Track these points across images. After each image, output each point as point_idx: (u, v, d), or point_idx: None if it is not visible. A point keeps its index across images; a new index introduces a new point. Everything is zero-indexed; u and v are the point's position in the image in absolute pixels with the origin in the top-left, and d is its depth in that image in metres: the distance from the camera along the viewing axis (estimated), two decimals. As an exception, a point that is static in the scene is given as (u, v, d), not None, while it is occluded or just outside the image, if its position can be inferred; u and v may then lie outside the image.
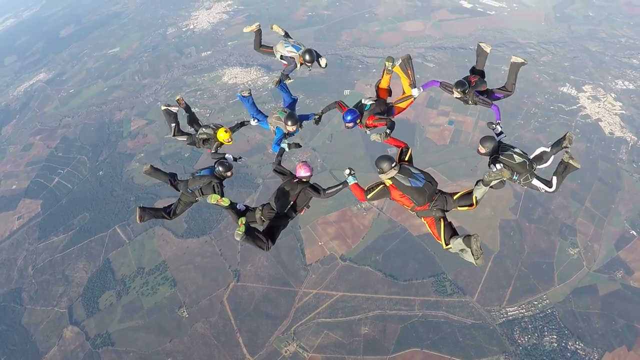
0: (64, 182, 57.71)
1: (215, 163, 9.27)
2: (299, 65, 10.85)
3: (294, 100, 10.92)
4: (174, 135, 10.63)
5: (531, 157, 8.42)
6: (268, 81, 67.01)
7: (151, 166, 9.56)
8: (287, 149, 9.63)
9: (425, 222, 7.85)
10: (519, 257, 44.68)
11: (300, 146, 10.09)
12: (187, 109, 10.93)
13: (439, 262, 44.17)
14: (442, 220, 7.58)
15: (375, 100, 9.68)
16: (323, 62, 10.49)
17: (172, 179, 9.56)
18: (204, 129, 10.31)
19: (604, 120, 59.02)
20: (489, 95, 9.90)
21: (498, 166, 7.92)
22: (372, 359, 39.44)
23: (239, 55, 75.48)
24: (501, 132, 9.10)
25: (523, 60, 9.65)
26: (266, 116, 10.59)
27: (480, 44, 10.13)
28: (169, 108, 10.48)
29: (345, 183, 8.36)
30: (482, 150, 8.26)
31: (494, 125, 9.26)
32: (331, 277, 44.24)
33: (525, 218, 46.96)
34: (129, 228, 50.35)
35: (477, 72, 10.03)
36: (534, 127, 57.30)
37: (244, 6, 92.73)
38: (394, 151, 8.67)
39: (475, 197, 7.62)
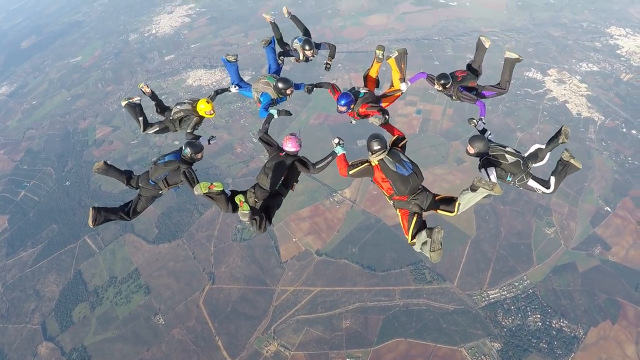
0: (30, 195, 56.07)
1: (183, 146, 8.33)
2: (301, 56, 10.75)
3: (280, 68, 10.66)
4: (144, 130, 9.83)
5: (525, 155, 8.09)
6: (236, 92, 65.16)
7: (104, 162, 8.45)
8: (276, 116, 9.10)
9: (399, 213, 7.44)
10: (496, 240, 44.75)
11: (291, 114, 9.51)
12: (153, 96, 10.08)
13: (415, 251, 43.31)
14: (416, 215, 7.17)
15: (367, 90, 9.35)
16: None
17: (128, 176, 8.57)
18: (178, 107, 9.56)
19: (570, 102, 60.36)
20: (479, 92, 9.60)
21: (492, 177, 7.56)
22: (355, 352, 38.98)
23: (203, 57, 75.02)
24: (485, 129, 8.77)
25: (517, 56, 9.30)
26: (249, 84, 10.18)
27: (481, 37, 9.75)
28: (131, 101, 9.60)
29: (334, 154, 8.04)
30: (471, 151, 7.87)
31: (475, 121, 8.96)
32: (308, 273, 43.72)
33: (500, 201, 47.05)
34: (99, 237, 49.16)
35: (471, 69, 9.69)
36: (502, 112, 57.92)
37: (205, 8, 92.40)
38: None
39: (459, 204, 7.15)
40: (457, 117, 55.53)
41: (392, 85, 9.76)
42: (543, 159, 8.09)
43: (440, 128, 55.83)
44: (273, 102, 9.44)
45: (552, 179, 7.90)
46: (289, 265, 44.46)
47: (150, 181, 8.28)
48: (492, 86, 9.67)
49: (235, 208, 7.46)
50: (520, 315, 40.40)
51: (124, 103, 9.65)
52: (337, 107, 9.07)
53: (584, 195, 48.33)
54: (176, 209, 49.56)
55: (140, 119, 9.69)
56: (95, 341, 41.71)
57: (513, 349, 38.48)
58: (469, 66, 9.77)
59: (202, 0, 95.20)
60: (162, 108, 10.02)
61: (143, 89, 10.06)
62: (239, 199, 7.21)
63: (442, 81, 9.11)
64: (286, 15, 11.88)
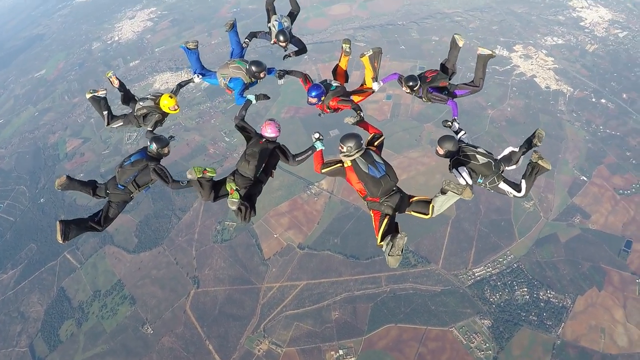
0: (5, 216, 54.84)
1: (149, 142, 8.12)
2: (272, 40, 10.59)
3: (244, 51, 10.39)
4: (108, 124, 9.46)
5: (499, 157, 7.92)
6: (199, 82, 65.10)
7: (67, 177, 7.95)
8: (254, 101, 8.91)
9: (372, 214, 7.30)
10: (477, 218, 45.07)
11: (269, 97, 9.34)
12: (122, 86, 9.71)
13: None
14: (387, 217, 7.05)
15: (339, 84, 9.30)
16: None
17: (93, 186, 8.10)
18: (141, 103, 9.20)
19: (538, 76, 61.39)
20: (450, 92, 9.47)
21: (464, 178, 7.44)
22: (347, 342, 39.05)
23: (168, 60, 74.21)
24: (460, 130, 8.57)
25: (491, 52, 9.22)
26: (212, 72, 9.91)
27: (455, 35, 9.51)
28: (95, 94, 9.26)
29: (313, 148, 8.01)
30: (441, 152, 7.83)
31: (449, 123, 8.78)
32: (292, 268, 43.58)
33: (477, 179, 47.07)
34: (79, 252, 48.31)
35: (444, 68, 9.54)
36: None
37: (167, 11, 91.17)
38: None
39: (433, 206, 7.08)
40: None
41: (364, 83, 9.78)
42: (517, 162, 7.91)
43: (412, 111, 55.77)
44: (246, 87, 9.28)
45: (523, 182, 7.71)
46: (273, 261, 44.24)
47: (118, 185, 7.90)
48: (465, 84, 9.56)
49: (216, 197, 7.40)
50: (507, 290, 40.74)
51: (88, 96, 9.32)
52: (308, 99, 9.02)
53: (560, 166, 48.82)
54: (154, 215, 48.97)
55: (105, 112, 9.34)
56: (85, 358, 41.11)
57: (503, 324, 38.88)
58: (442, 65, 9.62)
59: (163, 2, 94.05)
60: (127, 98, 9.68)
61: (111, 79, 9.69)
62: (229, 186, 7.10)
63: (410, 83, 9.10)
64: None
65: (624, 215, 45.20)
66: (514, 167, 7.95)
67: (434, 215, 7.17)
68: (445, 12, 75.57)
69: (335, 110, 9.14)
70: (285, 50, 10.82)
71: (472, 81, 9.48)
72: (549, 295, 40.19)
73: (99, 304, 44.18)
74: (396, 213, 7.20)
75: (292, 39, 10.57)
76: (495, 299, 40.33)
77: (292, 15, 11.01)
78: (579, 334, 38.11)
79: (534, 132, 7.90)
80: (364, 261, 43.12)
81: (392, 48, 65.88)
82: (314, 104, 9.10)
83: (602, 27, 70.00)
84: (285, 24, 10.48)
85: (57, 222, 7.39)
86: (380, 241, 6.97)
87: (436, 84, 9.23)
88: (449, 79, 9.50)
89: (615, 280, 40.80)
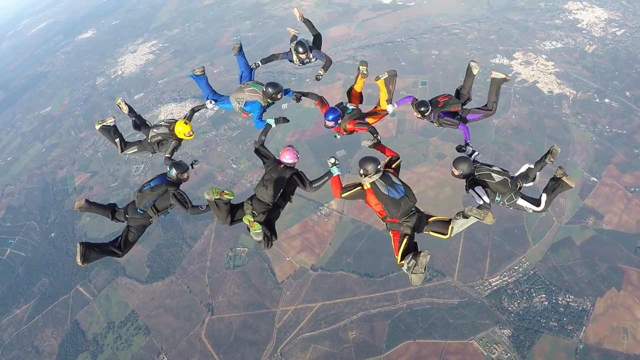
0: (16, 252, 54.92)
1: (169, 168, 8.18)
2: (294, 58, 10.91)
3: (252, 73, 10.51)
4: (122, 151, 9.64)
5: (516, 175, 8.08)
6: (204, 111, 65.31)
7: (86, 200, 8.16)
8: (273, 125, 9.12)
9: (391, 234, 7.48)
10: (489, 228, 44.42)
11: (289, 121, 9.56)
12: (131, 111, 9.89)
13: (404, 272, 43.29)
14: (407, 237, 7.22)
15: (355, 107, 9.40)
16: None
17: (112, 209, 8.24)
18: (155, 130, 9.31)
19: (540, 81, 61.48)
20: (462, 116, 9.53)
21: (483, 199, 7.59)
22: (366, 362, 38.57)
23: (172, 92, 74.77)
24: (473, 152, 8.63)
25: (504, 76, 9.25)
26: (225, 96, 10.04)
27: (471, 63, 9.62)
28: (104, 123, 9.40)
29: (329, 173, 8.05)
30: (456, 173, 7.91)
31: (464, 147, 8.88)
32: (306, 290, 43.25)
33: (486, 189, 46.95)
34: (91, 284, 48.15)
35: (458, 94, 9.77)
36: (474, 102, 57.25)
37: (168, 43, 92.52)
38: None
39: (452, 228, 7.26)
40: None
41: (378, 105, 9.84)
42: (534, 179, 8.04)
43: (417, 127, 55.80)
44: (263, 110, 9.38)
45: (544, 196, 7.81)
46: (286, 285, 43.97)
47: (137, 210, 7.96)
48: (478, 109, 9.59)
49: (233, 220, 7.51)
50: (525, 298, 40.23)
51: (97, 126, 9.41)
52: (325, 122, 9.12)
53: (568, 169, 48.21)
54: (165, 245, 48.86)
55: (117, 140, 9.42)
56: (102, 390, 40.49)
57: (524, 333, 38.30)
58: (457, 92, 9.80)
59: (163, 35, 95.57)
60: (140, 123, 9.81)
61: (120, 105, 9.79)
62: (247, 219, 7.00)
63: (422, 109, 9.18)
64: (299, 19, 11.90)
65: (637, 212, 44.88)
66: (531, 184, 8.05)
67: (451, 236, 7.32)
68: (442, 25, 76.21)
69: (352, 132, 9.27)
70: (304, 64, 11.07)
71: (486, 105, 9.55)
72: (568, 299, 39.63)
73: (113, 335, 43.81)
74: (415, 233, 7.30)
75: (311, 50, 10.85)
76: (514, 308, 39.80)
77: (316, 40, 11.48)
78: (601, 336, 37.47)
79: (550, 149, 8.10)
80: (378, 279, 42.76)
81: (392, 65, 65.52)
82: (331, 127, 9.19)
83: (599, 27, 70.52)
84: (304, 40, 10.79)
85: (78, 244, 7.42)
86: (401, 260, 7.09)
87: (448, 109, 9.31)
88: (463, 105, 9.61)
89: (633, 278, 40.30)
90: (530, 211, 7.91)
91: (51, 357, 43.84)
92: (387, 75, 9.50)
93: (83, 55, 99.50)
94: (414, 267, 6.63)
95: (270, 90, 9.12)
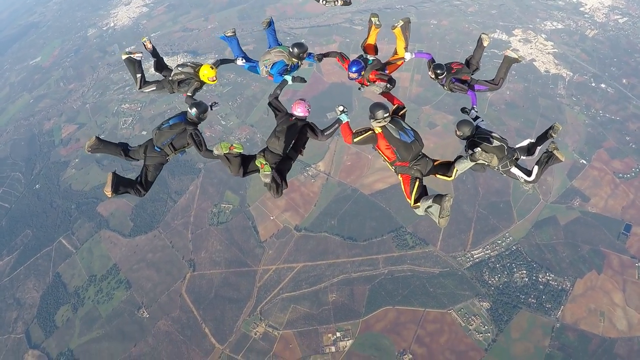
0: (0, 203, 54.38)
1: (189, 107, 8.22)
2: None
3: (280, 45, 10.17)
4: (140, 88, 9.51)
5: (516, 146, 8.40)
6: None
7: (96, 138, 7.90)
8: (290, 82, 9.28)
9: (401, 178, 7.77)
10: (475, 200, 45.03)
11: (305, 81, 9.63)
12: (154, 52, 9.76)
13: (395, 217, 44.07)
14: (418, 180, 7.55)
15: (375, 58, 9.60)
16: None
17: (124, 148, 8.20)
18: (180, 68, 9.25)
19: (538, 60, 61.56)
20: (471, 85, 9.82)
21: (477, 150, 7.70)
22: (345, 325, 39.06)
23: (164, 45, 73.30)
24: (477, 117, 8.91)
25: (517, 57, 9.57)
26: (254, 60, 10.16)
27: (482, 35, 9.94)
28: (131, 56, 9.28)
29: (339, 121, 8.23)
30: (459, 133, 8.10)
31: (468, 110, 9.21)
32: (289, 250, 43.48)
33: (476, 161, 47.07)
34: (74, 237, 48.01)
35: (468, 64, 10.00)
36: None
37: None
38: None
39: (456, 170, 7.59)
40: (426, 82, 55.16)
41: (395, 53, 9.92)
42: (533, 152, 8.31)
43: (410, 94, 55.64)
44: (287, 69, 9.41)
45: (535, 168, 8.16)
46: (269, 244, 44.17)
47: (155, 147, 8.05)
48: (485, 81, 9.85)
49: (245, 172, 7.65)
50: (506, 272, 40.82)
51: (124, 57, 9.32)
52: (348, 74, 9.29)
53: (559, 149, 48.19)
54: (149, 199, 48.36)
55: (138, 75, 9.33)
56: (81, 343, 40.99)
57: (502, 307, 39.00)
58: (467, 61, 10.02)
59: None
60: (161, 66, 9.75)
61: (145, 44, 9.74)
62: (259, 161, 7.16)
63: (438, 71, 9.40)
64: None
65: (623, 198, 45.29)
66: (531, 157, 8.37)
67: (455, 178, 7.64)
68: (443, -5, 75.26)
69: (374, 82, 9.27)
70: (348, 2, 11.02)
71: (493, 79, 9.85)
72: (548, 277, 40.20)
73: (94, 288, 43.92)
74: (423, 176, 7.63)
75: None
76: (494, 281, 40.32)
77: None
78: (578, 317, 38.19)
79: (552, 125, 8.39)
80: (361, 243, 43.03)
81: (390, 32, 64.74)
82: (355, 78, 9.34)
83: (602, 12, 70.24)
84: None
85: (109, 174, 7.48)
86: (415, 203, 7.46)
87: (459, 76, 9.59)
88: (472, 74, 9.89)
89: (614, 263, 40.88)
90: (522, 180, 8.27)
91: (32, 309, 44.04)
92: (402, 23, 9.62)
93: (75, 6, 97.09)
94: (440, 211, 6.93)
95: (296, 50, 9.22)
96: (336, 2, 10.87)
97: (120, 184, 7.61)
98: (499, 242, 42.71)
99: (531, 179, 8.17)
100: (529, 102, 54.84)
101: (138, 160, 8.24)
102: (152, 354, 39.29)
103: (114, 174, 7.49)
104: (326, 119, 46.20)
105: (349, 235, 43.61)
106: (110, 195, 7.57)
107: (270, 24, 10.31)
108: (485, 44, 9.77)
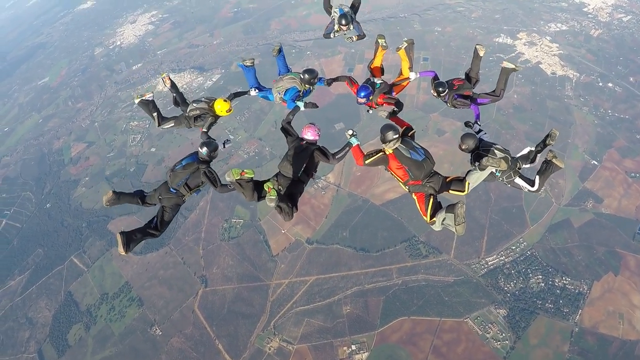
0: (11, 223, 54.63)
1: (199, 146, 8.26)
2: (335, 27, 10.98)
3: (289, 71, 10.49)
4: (159, 125, 9.82)
5: (517, 155, 8.47)
6: (202, 82, 67.53)
7: (113, 192, 7.96)
8: (302, 108, 9.46)
9: (415, 197, 7.88)
10: (487, 206, 44.58)
11: (317, 106, 9.89)
12: (173, 87, 10.04)
13: (407, 226, 43.76)
14: (432, 197, 7.66)
15: (382, 81, 9.84)
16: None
17: (141, 196, 8.29)
18: (194, 104, 9.50)
19: (544, 62, 61.28)
20: (473, 99, 9.92)
21: (484, 159, 7.81)
22: (360, 337, 38.60)
23: (170, 62, 74.30)
24: (480, 130, 9.03)
25: (514, 67, 9.83)
26: (267, 88, 10.39)
27: (476, 46, 10.18)
28: (144, 98, 9.53)
29: (349, 144, 8.39)
30: (463, 147, 8.23)
31: (472, 124, 9.28)
32: (301, 263, 43.21)
33: (486, 168, 46.83)
34: (85, 255, 48.01)
35: (468, 78, 10.11)
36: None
37: (168, 14, 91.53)
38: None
39: (468, 183, 7.79)
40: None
41: (400, 74, 10.18)
42: (534, 160, 8.41)
43: (417, 102, 55.56)
44: (300, 95, 9.64)
45: (537, 178, 8.23)
46: (281, 257, 43.90)
47: (171, 189, 8.15)
48: (486, 94, 9.97)
49: (260, 197, 7.62)
50: (521, 278, 40.29)
51: (137, 101, 9.59)
52: (357, 99, 9.54)
53: (569, 151, 48.32)
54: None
55: (155, 114, 9.65)
56: (94, 362, 40.56)
57: (519, 313, 38.42)
58: (466, 75, 10.14)
59: (163, 6, 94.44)
60: (180, 100, 9.96)
61: (164, 80, 10.01)
62: (267, 185, 7.33)
63: (440, 89, 9.44)
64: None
65: (637, 198, 44.75)
66: (529, 165, 8.45)
67: (468, 192, 7.79)
68: (447, 2, 75.71)
69: (382, 105, 9.56)
70: (346, 34, 11.13)
71: (494, 91, 9.93)
72: (565, 281, 39.62)
73: (106, 307, 43.79)
74: (437, 193, 7.73)
75: (353, 21, 10.92)
76: (510, 288, 39.80)
77: (354, 7, 11.34)
78: (597, 320, 37.52)
79: (549, 132, 8.49)
80: (374, 254, 42.68)
81: (394, 41, 64.02)
82: (363, 103, 9.59)
83: (605, 12, 70.28)
84: (346, 9, 10.88)
85: (118, 235, 7.56)
86: (431, 219, 7.55)
87: (461, 92, 9.66)
88: (473, 88, 9.97)
89: (631, 264, 40.26)
90: (527, 190, 8.40)
91: (45, 328, 43.78)
92: (406, 44, 9.86)
93: (82, 26, 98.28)
94: (456, 219, 6.98)
95: (307, 76, 9.48)
96: (352, 39, 10.90)
97: (132, 241, 7.65)
98: (513, 247, 42.21)
99: (534, 188, 8.28)
100: (537, 105, 54.53)
101: (155, 205, 8.30)
102: (166, 372, 38.91)
103: (122, 234, 7.53)
104: (334, 129, 46.37)
105: (361, 246, 43.31)
106: (126, 254, 7.68)
107: (280, 50, 10.47)
108: (481, 54, 9.95)
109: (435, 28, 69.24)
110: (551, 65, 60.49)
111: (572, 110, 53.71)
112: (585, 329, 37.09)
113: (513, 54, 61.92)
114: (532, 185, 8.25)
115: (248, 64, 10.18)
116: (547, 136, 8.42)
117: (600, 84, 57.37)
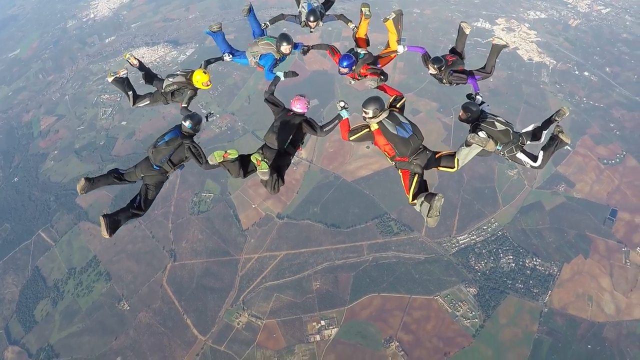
0: (-22, 197, 53.29)
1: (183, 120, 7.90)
2: (301, 22, 10.44)
3: (264, 33, 10.31)
4: (134, 104, 9.46)
5: (522, 131, 8.27)
6: (176, 55, 66.86)
7: (86, 179, 7.45)
8: (282, 78, 9.16)
9: (400, 173, 7.54)
10: (460, 186, 45.08)
11: (297, 74, 9.67)
12: (141, 66, 9.63)
13: (379, 203, 43.90)
14: (417, 175, 7.31)
15: (366, 52, 9.46)
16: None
17: (116, 175, 7.84)
18: (170, 79, 9.11)
19: (521, 49, 62.63)
20: (470, 73, 9.63)
21: (481, 134, 7.61)
22: (329, 313, 38.76)
23: (144, 36, 73.42)
24: (483, 102, 8.69)
25: (505, 43, 9.48)
26: (241, 51, 10.14)
27: (461, 23, 9.69)
28: (117, 76, 9.10)
29: (339, 117, 8.08)
30: (463, 116, 8.03)
31: (473, 96, 8.98)
32: (271, 238, 43.07)
33: (460, 147, 47.27)
34: (53, 229, 47.16)
35: (456, 53, 9.79)
36: (453, 62, 58.99)
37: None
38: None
39: (457, 159, 7.50)
40: (409, 69, 55.45)
41: (387, 46, 9.79)
42: (540, 137, 8.20)
43: (393, 82, 53.54)
44: (275, 63, 9.48)
45: (541, 153, 8.06)
46: (251, 232, 43.70)
47: (154, 166, 7.75)
48: (477, 70, 9.68)
49: (246, 172, 7.52)
50: (492, 258, 40.81)
51: (110, 79, 9.19)
52: (339, 69, 9.23)
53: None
54: (129, 189, 45.96)
55: (130, 93, 9.27)
56: (61, 337, 40.24)
57: (489, 292, 38.94)
58: (452, 50, 9.85)
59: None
60: (150, 77, 9.59)
61: (130, 60, 9.59)
62: (255, 157, 7.02)
63: (437, 65, 9.12)
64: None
65: (608, 184, 45.67)
66: (537, 142, 8.25)
67: (458, 168, 7.52)
68: (426, -16, 75.65)
69: (364, 77, 9.23)
70: (312, 31, 10.64)
71: (484, 67, 9.67)
72: (535, 262, 40.25)
73: (74, 281, 43.14)
74: (424, 171, 7.43)
75: (322, 17, 10.45)
76: (481, 267, 40.27)
77: (328, 3, 10.95)
78: (566, 301, 38.25)
79: (558, 110, 8.37)
80: (345, 230, 42.76)
81: (372, 20, 64.47)
82: (346, 73, 9.25)
83: (585, 3, 71.84)
84: (315, 4, 10.35)
85: (101, 217, 7.25)
86: (412, 200, 7.19)
87: (455, 67, 9.40)
88: (463, 64, 9.72)
89: (601, 248, 41.03)
90: (528, 166, 8.16)
91: (12, 304, 43.21)
92: (394, 15, 9.43)
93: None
94: (429, 210, 6.72)
95: (283, 42, 9.16)
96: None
97: (116, 223, 7.30)
98: (485, 227, 42.73)
99: (537, 164, 8.04)
100: (513, 90, 55.27)
101: (135, 182, 7.94)
102: (134, 347, 38.63)
103: (105, 216, 7.14)
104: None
105: (332, 222, 43.32)
106: (109, 237, 7.35)
107: (250, 10, 10.11)
108: (466, 32, 9.54)
109: (414, 10, 69.37)
110: (528, 52, 61.63)
111: (547, 96, 54.74)
112: (554, 310, 37.82)
113: (491, 39, 61.73)
114: (535, 160, 8.04)
115: (215, 29, 9.78)
116: (556, 113, 8.33)
117: (577, 72, 58.64)
